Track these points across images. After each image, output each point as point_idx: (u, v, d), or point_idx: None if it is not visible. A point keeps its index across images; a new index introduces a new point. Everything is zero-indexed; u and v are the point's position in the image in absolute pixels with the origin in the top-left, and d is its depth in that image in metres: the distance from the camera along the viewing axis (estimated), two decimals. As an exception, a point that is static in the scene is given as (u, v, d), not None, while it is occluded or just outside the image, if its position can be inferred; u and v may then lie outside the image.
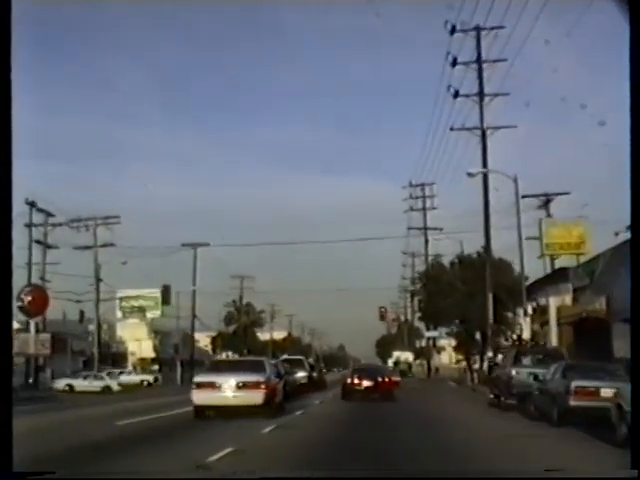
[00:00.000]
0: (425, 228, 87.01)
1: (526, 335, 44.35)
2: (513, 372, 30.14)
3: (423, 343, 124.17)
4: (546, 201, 60.25)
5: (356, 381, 39.38)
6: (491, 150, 52.60)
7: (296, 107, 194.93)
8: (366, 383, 39.15)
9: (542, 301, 49.13)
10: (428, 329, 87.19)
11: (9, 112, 2.79)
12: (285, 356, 55.81)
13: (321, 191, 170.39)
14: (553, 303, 47.56)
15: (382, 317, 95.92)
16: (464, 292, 56.47)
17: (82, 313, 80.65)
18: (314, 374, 53.95)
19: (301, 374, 46.98)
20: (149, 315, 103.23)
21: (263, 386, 26.21)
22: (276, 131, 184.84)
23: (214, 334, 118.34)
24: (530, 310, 54.33)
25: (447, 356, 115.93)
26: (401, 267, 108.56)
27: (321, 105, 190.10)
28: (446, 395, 48.61)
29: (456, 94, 52.39)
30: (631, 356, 3.18)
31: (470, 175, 46.08)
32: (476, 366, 64.36)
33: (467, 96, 52.66)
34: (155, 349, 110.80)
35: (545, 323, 48.58)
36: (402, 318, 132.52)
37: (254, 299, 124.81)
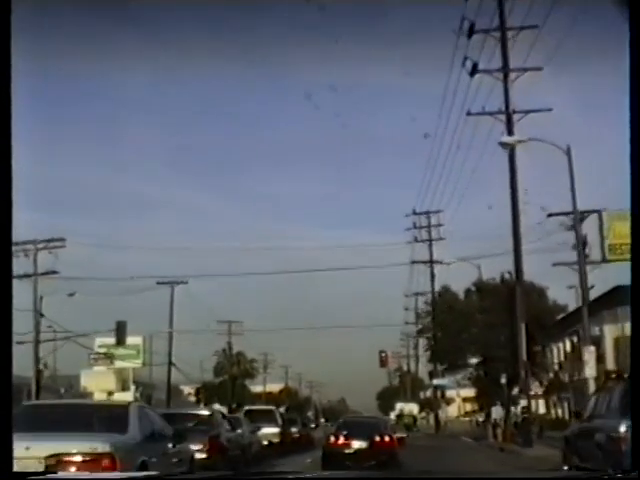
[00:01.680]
0: (431, 262, 74.11)
1: (589, 374, 31.10)
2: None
3: (428, 393, 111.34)
4: (580, 219, 47.16)
5: (342, 441, 26.26)
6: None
7: (290, 161, 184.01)
8: (357, 444, 26.16)
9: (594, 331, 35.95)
10: (434, 375, 73.78)
11: (9, 116, 2.67)
12: (248, 407, 42.37)
13: (319, 242, 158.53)
14: (610, 333, 34.21)
15: (383, 363, 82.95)
16: (484, 324, 43.46)
17: (38, 360, 67.14)
18: (294, 429, 40.80)
19: (269, 430, 33.86)
20: (128, 364, 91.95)
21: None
22: (269, 183, 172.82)
23: (199, 385, 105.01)
24: (568, 347, 41.35)
25: (456, 408, 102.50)
26: (403, 311, 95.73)
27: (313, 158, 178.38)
28: (467, 457, 35.60)
29: (474, 69, 39.71)
30: (631, 356, 2.93)
31: (504, 146, 33.36)
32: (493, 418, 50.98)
33: (488, 72, 40.09)
34: (149, 402, 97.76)
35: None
36: (405, 368, 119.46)
37: (245, 347, 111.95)
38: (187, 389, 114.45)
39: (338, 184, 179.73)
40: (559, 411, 53.39)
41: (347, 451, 25.61)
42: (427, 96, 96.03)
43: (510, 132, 39.11)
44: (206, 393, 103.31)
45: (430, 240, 74.79)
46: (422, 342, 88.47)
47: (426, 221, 75.16)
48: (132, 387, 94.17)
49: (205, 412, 23.26)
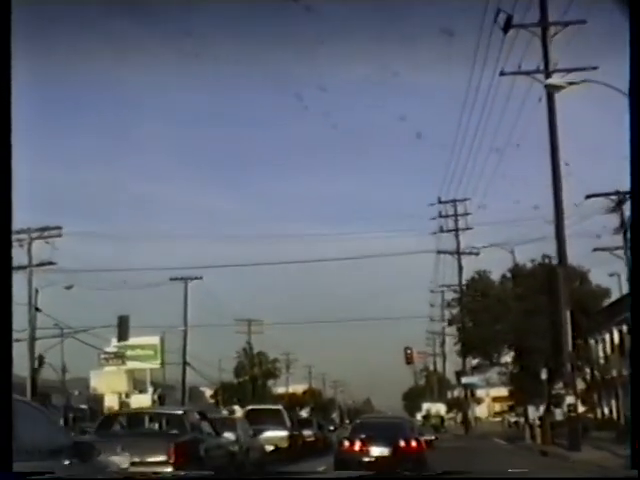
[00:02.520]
0: (458, 252, 68.77)
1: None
2: None
3: (456, 393, 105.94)
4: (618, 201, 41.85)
5: (358, 446, 21.10)
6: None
7: (311, 158, 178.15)
8: (377, 450, 21.01)
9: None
10: (463, 373, 68.43)
11: (9, 116, 2.64)
12: (251, 406, 36.84)
13: (340, 235, 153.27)
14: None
15: (408, 360, 77.73)
16: (521, 312, 38.23)
17: (41, 358, 62.50)
18: (307, 431, 35.68)
19: (275, 433, 28.75)
20: (146, 365, 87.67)
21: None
22: (292, 183, 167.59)
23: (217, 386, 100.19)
24: (616, 337, 36.11)
25: (485, 408, 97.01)
26: (429, 307, 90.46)
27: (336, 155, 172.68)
28: (505, 461, 30.45)
29: (507, 23, 34.57)
30: (631, 355, 2.94)
31: (550, 88, 28.06)
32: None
33: (523, 27, 34.97)
34: (156, 403, 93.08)
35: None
36: (431, 367, 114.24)
37: (265, 346, 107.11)
38: (209, 391, 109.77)
39: (359, 173, 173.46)
40: (605, 410, 48.01)
41: (365, 459, 20.63)
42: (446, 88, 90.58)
43: (550, 97, 34.02)
44: (225, 394, 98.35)
45: (457, 230, 69.59)
46: (449, 340, 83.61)
47: (452, 210, 70.05)
48: (150, 389, 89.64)
49: (177, 411, 18.15)
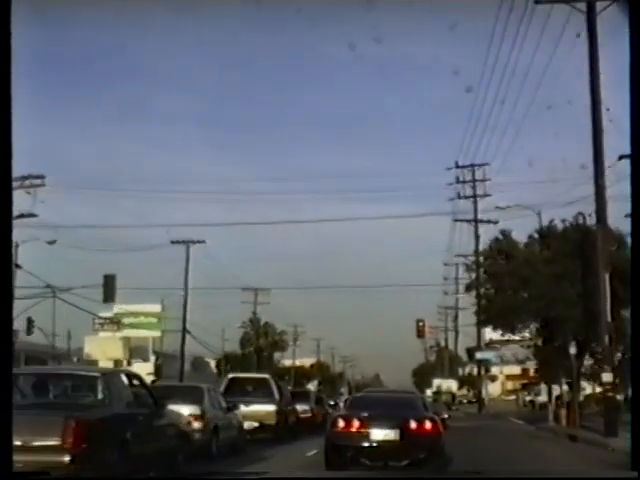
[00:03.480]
0: (475, 220, 63.75)
1: None
2: None
3: (467, 371, 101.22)
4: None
5: (356, 427, 15.95)
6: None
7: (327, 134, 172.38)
8: (381, 433, 15.84)
9: None
10: (476, 350, 63.63)
11: (9, 110, 2.49)
12: (232, 374, 31.14)
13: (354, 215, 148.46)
14: None
15: (420, 333, 72.87)
16: (550, 277, 33.24)
17: (30, 321, 57.99)
18: (303, 406, 30.84)
19: (260, 408, 23.84)
20: (148, 334, 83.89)
21: None
22: (307, 157, 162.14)
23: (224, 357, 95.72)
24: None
25: (499, 386, 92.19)
26: (442, 280, 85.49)
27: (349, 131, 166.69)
28: (530, 448, 25.76)
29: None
30: (631, 353, 2.83)
31: None
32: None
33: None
34: (157, 373, 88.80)
35: None
36: (442, 343, 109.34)
37: (272, 317, 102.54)
38: (214, 362, 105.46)
39: (375, 138, 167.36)
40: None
41: (364, 444, 15.62)
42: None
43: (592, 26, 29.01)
44: (229, 365, 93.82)
45: (475, 196, 64.55)
46: (462, 315, 78.77)
47: (470, 175, 64.96)
48: (152, 357, 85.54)
49: (87, 372, 13.20)
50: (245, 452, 19.40)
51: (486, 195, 63.97)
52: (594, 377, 33.19)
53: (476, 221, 63.40)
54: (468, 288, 42.20)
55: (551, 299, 32.88)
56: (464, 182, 64.83)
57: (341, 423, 15.95)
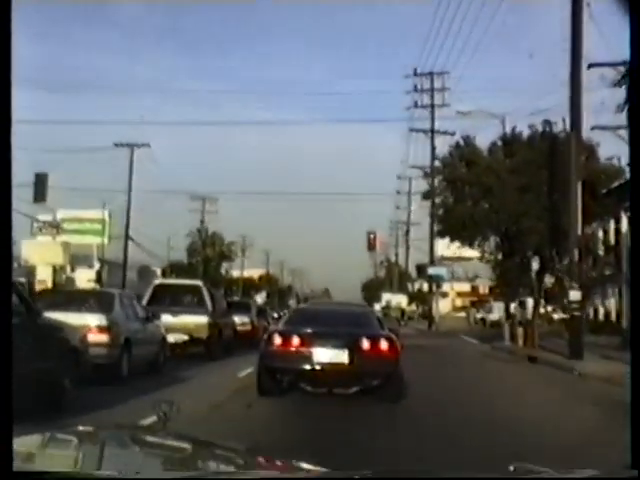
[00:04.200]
0: (432, 131, 60.76)
1: None
2: None
3: (416, 287, 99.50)
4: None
5: (295, 346, 12.88)
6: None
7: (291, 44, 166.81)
8: (325, 354, 12.82)
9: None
10: (428, 266, 61.21)
11: (9, 109, 2.28)
12: (159, 281, 27.48)
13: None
14: None
15: (371, 246, 70.07)
16: (514, 187, 30.52)
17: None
18: (243, 318, 28.02)
19: (190, 319, 20.83)
20: (92, 241, 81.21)
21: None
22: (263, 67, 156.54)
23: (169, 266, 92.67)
24: (624, 225, 28.83)
25: (449, 303, 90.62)
26: (395, 195, 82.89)
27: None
28: (488, 369, 23.46)
29: None
30: (631, 352, 2.63)
31: None
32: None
33: None
34: (99, 279, 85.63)
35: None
36: (392, 259, 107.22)
37: (221, 228, 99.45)
38: (160, 271, 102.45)
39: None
40: (600, 310, 40.93)
41: (306, 366, 12.67)
42: None
43: None
44: (173, 274, 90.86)
45: (432, 106, 61.42)
46: (414, 231, 76.41)
47: (429, 83, 61.74)
48: (96, 264, 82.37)
49: None
50: (164, 371, 16.50)
51: (444, 105, 60.93)
52: (551, 295, 30.75)
53: (432, 131, 60.44)
54: (425, 196, 39.21)
55: (515, 211, 30.18)
56: (422, 91, 61.77)
57: (277, 340, 12.96)
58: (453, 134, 50.30)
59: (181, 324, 20.23)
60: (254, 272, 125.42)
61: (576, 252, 25.16)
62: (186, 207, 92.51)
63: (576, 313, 25.19)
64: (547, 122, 31.42)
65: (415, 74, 61.62)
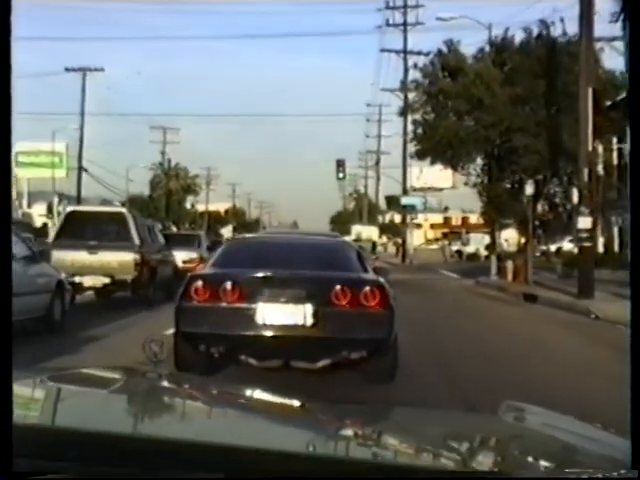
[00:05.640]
0: (405, 52, 55.94)
1: None
2: None
3: (387, 219, 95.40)
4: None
5: (228, 298, 8.09)
6: None
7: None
8: (273, 311, 8.08)
9: None
10: (392, 201, 56.84)
11: (9, 107, 1.87)
12: (71, 207, 20.94)
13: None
14: None
15: (340, 172, 65.53)
16: (506, 99, 25.99)
17: None
18: (190, 254, 23.43)
19: (113, 256, 16.12)
20: (49, 174, 77.16)
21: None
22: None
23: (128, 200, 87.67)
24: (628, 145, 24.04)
25: (421, 235, 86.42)
26: (364, 123, 78.22)
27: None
28: (494, 312, 19.36)
29: None
30: (631, 352, 2.03)
31: None
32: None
33: None
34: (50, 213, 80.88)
35: None
36: (362, 190, 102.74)
37: (185, 160, 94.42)
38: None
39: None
40: (599, 240, 36.76)
41: (245, 332, 8.08)
42: None
43: None
44: (134, 209, 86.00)
45: (405, 24, 56.48)
46: (385, 160, 71.81)
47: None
48: (55, 199, 77.73)
49: None
50: (65, 328, 12.11)
51: (418, 23, 55.97)
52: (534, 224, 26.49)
53: (405, 52, 55.62)
54: (402, 113, 34.31)
55: (507, 127, 25.66)
56: (394, 8, 56.75)
57: (199, 291, 8.48)
58: (427, 54, 45.40)
59: (100, 263, 15.70)
60: (220, 206, 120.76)
61: (586, 171, 20.82)
62: (147, 138, 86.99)
63: (586, 243, 20.96)
64: (543, 23, 26.76)
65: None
